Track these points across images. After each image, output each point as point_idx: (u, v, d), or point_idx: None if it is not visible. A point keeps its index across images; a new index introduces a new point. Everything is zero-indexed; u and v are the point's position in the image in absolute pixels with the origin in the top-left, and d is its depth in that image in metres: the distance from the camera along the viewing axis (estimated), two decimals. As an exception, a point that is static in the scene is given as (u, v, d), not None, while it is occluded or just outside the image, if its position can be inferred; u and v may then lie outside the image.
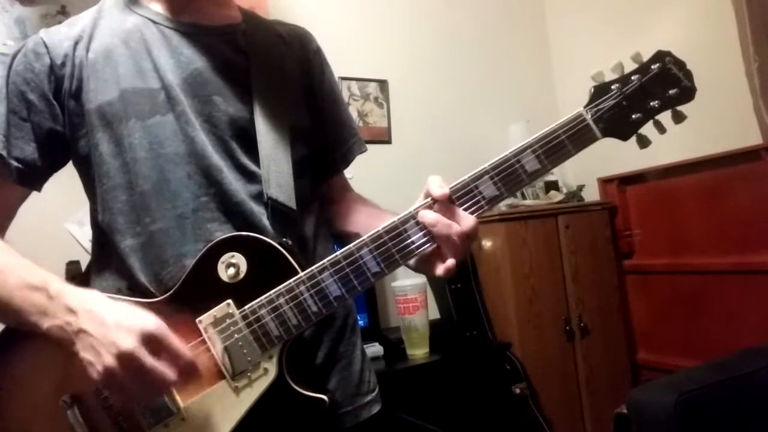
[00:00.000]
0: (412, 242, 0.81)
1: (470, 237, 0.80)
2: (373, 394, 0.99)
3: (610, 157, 2.48)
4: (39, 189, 0.94)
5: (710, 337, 2.29)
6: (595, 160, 2.54)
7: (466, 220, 0.80)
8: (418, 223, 0.81)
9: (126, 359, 0.71)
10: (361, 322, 1.45)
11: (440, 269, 0.81)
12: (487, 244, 2.36)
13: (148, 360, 0.71)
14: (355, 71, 2.48)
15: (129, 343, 0.71)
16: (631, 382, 2.47)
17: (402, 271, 2.51)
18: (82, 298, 0.76)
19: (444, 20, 2.78)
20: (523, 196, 2.56)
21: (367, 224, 0.88)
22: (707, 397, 1.53)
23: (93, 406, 0.81)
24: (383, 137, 2.56)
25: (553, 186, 2.65)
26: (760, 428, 1.55)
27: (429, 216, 0.80)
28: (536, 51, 3.04)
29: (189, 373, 0.75)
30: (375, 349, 2.06)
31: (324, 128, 1.05)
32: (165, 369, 0.72)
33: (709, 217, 2.30)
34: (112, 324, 0.72)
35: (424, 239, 0.81)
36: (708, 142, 2.22)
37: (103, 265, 0.90)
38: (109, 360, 0.71)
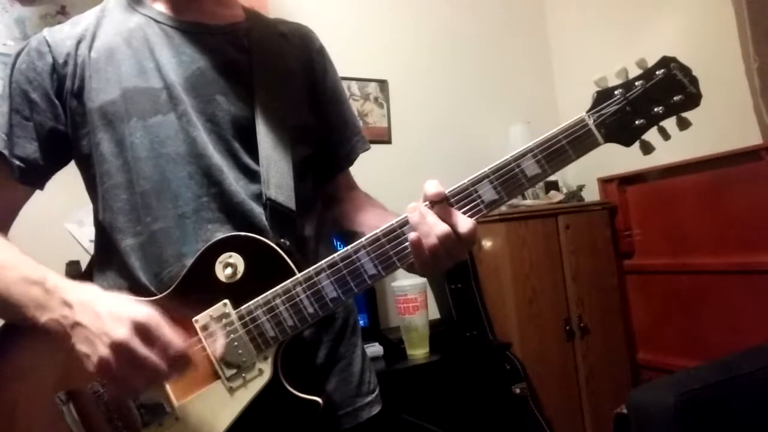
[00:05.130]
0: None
1: (467, 240, 0.79)
2: (374, 395, 0.99)
3: (610, 157, 2.46)
4: (42, 187, 0.94)
5: (710, 337, 2.28)
6: (595, 160, 2.51)
7: (463, 222, 0.79)
8: None
9: (119, 349, 0.71)
10: (361, 322, 1.43)
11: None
12: (487, 244, 2.36)
13: (141, 350, 0.71)
14: (355, 71, 2.48)
15: (121, 333, 0.71)
16: (631, 382, 2.47)
17: (402, 271, 2.50)
18: (78, 292, 0.76)
19: (444, 20, 2.78)
20: (523, 197, 2.56)
21: (374, 226, 0.86)
22: (707, 397, 1.53)
23: (88, 403, 0.81)
24: (383, 137, 2.56)
25: (553, 186, 2.65)
26: (760, 428, 1.54)
27: (414, 215, 0.79)
28: (537, 52, 3.03)
29: (181, 363, 0.74)
30: (375, 349, 2.06)
31: (327, 127, 1.05)
32: (157, 359, 0.72)
33: (709, 217, 2.29)
34: (106, 315, 0.72)
35: None
36: (708, 142, 2.21)
37: (104, 263, 0.91)
38: (103, 350, 0.71)
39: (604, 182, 2.69)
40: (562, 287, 2.37)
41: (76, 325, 0.73)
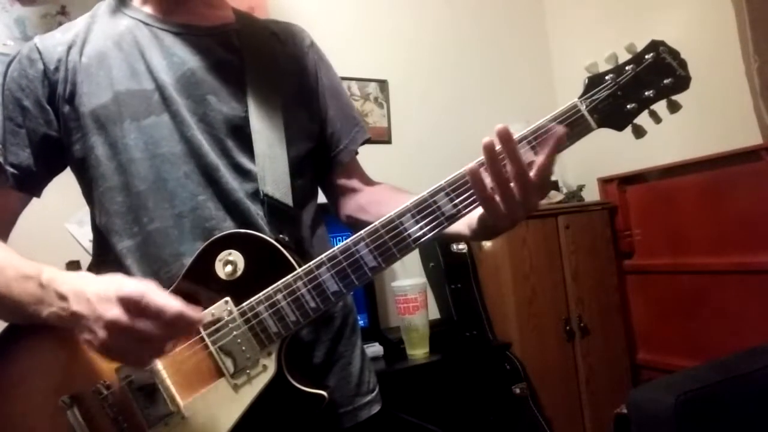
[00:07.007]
0: (409, 235, 0.80)
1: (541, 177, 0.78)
2: (373, 394, 0.99)
3: (610, 157, 2.48)
4: (38, 195, 0.94)
5: (710, 337, 2.28)
6: (595, 160, 2.53)
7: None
8: (414, 215, 0.81)
9: (113, 327, 0.70)
10: (361, 322, 1.43)
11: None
12: (487, 244, 2.35)
13: (134, 323, 0.70)
14: (355, 71, 2.48)
15: (112, 312, 0.70)
16: (631, 382, 2.47)
17: (402, 270, 2.49)
18: (70, 282, 0.76)
19: (444, 20, 2.79)
20: (523, 196, 2.55)
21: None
22: (707, 397, 1.53)
23: (93, 405, 0.80)
24: (383, 137, 2.56)
25: (553, 186, 2.65)
26: (760, 428, 1.54)
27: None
28: (536, 50, 3.03)
29: (181, 325, 0.73)
30: (375, 349, 2.06)
31: (326, 121, 1.05)
32: (153, 327, 0.71)
33: (709, 217, 2.29)
34: (94, 298, 0.72)
35: (421, 231, 0.80)
36: (708, 142, 2.21)
37: (103, 266, 0.90)
38: (101, 333, 0.71)
39: (604, 182, 2.69)
40: (562, 287, 2.37)
41: (74, 315, 0.73)
